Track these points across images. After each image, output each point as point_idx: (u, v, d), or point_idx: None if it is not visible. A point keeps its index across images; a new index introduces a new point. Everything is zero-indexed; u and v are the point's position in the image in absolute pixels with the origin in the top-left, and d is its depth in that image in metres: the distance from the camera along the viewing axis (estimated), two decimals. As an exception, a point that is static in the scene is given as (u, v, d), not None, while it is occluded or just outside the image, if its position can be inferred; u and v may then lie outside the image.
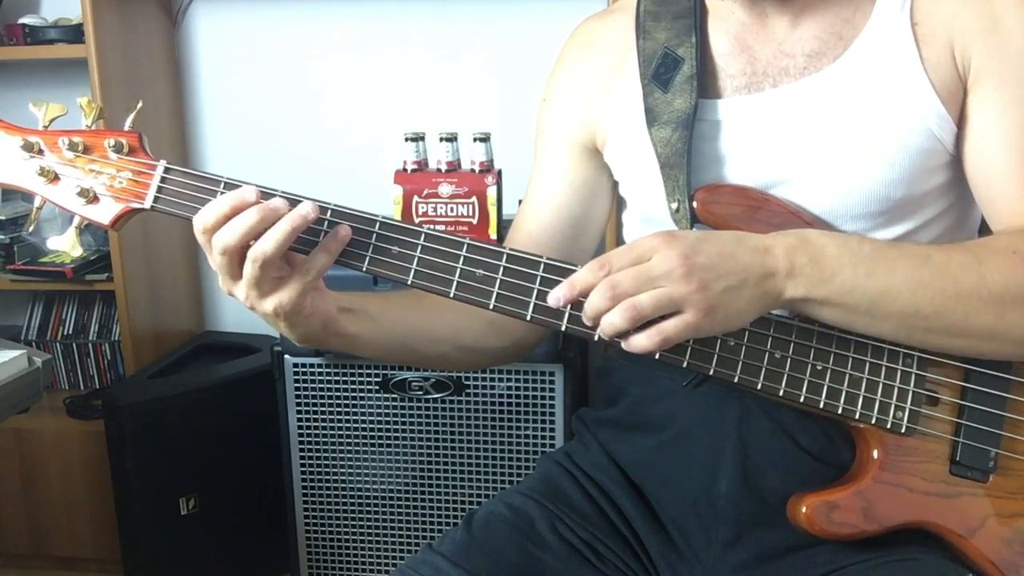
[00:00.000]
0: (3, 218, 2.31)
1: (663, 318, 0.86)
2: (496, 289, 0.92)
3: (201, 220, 0.90)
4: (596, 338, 0.91)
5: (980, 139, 0.96)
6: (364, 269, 0.94)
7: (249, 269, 0.90)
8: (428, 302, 1.06)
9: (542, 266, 0.92)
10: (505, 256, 0.92)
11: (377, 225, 0.93)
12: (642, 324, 0.86)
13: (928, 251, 0.93)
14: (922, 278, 0.90)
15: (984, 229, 1.07)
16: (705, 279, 0.86)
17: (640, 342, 0.87)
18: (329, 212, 0.93)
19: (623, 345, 0.88)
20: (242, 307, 0.95)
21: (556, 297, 0.89)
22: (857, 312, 0.91)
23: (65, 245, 0.97)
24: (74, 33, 2.15)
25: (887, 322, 0.92)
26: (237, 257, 0.90)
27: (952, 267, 0.91)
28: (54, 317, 2.46)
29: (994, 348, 0.93)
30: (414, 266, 0.93)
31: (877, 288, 0.89)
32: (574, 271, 0.91)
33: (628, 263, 0.87)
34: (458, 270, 0.93)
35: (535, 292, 0.92)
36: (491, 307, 0.92)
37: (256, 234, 0.89)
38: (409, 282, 0.93)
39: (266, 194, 0.91)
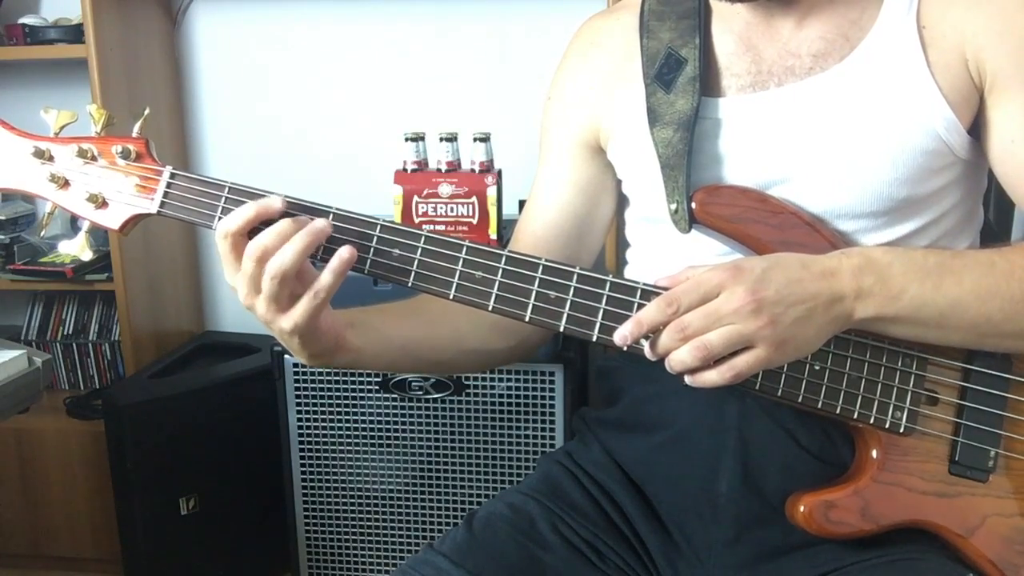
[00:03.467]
0: (3, 218, 2.31)
1: (734, 353, 0.87)
2: (495, 291, 0.93)
3: (224, 226, 0.91)
4: (595, 339, 0.91)
5: (1011, 142, 0.96)
6: (366, 272, 0.95)
7: (267, 285, 0.90)
8: (428, 309, 1.07)
9: (540, 267, 0.92)
10: (504, 258, 0.93)
11: (378, 228, 0.94)
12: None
13: (991, 257, 0.93)
14: (990, 286, 0.91)
15: (985, 231, 1.07)
16: (775, 313, 0.86)
17: (711, 378, 0.87)
18: (331, 216, 0.94)
19: (688, 380, 0.88)
20: (242, 307, 0.95)
21: (623, 335, 0.88)
22: (928, 326, 0.91)
23: (75, 249, 1.00)
24: (74, 33, 2.15)
25: (958, 332, 0.92)
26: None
27: (1017, 271, 0.91)
28: (54, 317, 2.45)
29: None
30: (415, 268, 0.94)
31: (947, 301, 0.90)
32: (572, 272, 0.91)
33: (696, 301, 0.86)
34: (458, 272, 0.93)
35: (534, 293, 0.92)
36: (490, 308, 0.93)
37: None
38: (410, 284, 0.94)
39: (289, 202, 0.93)
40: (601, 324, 0.92)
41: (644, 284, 0.92)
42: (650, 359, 0.89)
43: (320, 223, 0.91)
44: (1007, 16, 0.94)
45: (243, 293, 0.92)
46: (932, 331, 0.92)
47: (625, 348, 0.90)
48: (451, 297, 0.93)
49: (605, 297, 0.92)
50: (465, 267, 0.93)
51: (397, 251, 0.94)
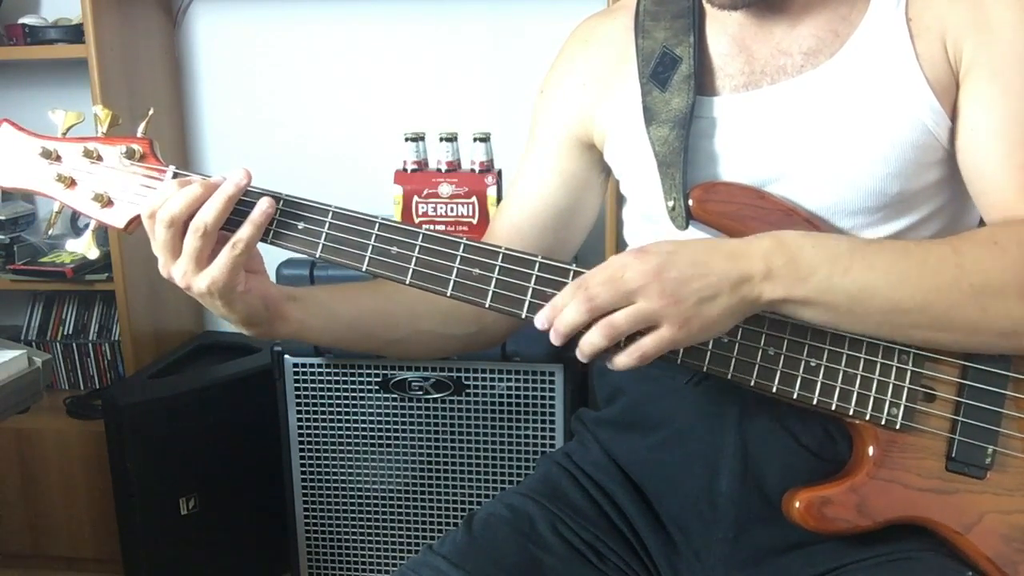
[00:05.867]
0: (3, 218, 2.32)
1: (640, 334, 0.88)
2: (492, 288, 0.93)
3: (149, 205, 0.94)
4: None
5: (972, 131, 0.96)
6: (364, 269, 0.95)
7: (190, 241, 0.93)
8: (385, 288, 1.07)
9: (537, 265, 0.93)
10: (501, 256, 0.93)
11: (376, 226, 0.95)
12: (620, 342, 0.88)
13: (907, 246, 0.93)
14: (901, 273, 0.90)
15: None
16: (678, 292, 0.87)
17: (621, 360, 0.89)
18: (331, 213, 0.94)
19: (607, 364, 0.90)
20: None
21: (541, 320, 0.90)
22: (838, 311, 0.91)
23: (82, 248, 1.01)
24: (74, 33, 2.15)
25: (870, 319, 0.91)
26: (180, 231, 0.93)
27: (931, 260, 0.90)
28: (54, 317, 2.46)
29: (980, 341, 0.93)
30: (412, 266, 0.94)
31: (856, 285, 0.89)
32: (569, 270, 0.92)
33: (603, 280, 0.88)
34: (455, 269, 0.94)
35: (530, 291, 0.92)
36: (487, 305, 0.93)
37: (200, 205, 0.93)
38: (407, 282, 0.94)
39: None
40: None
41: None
42: (556, 343, 0.90)
43: (237, 175, 0.95)
44: (986, 8, 0.95)
45: (160, 263, 0.96)
46: (843, 316, 0.91)
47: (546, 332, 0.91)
48: (448, 295, 0.94)
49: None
50: (462, 265, 0.93)
51: (395, 249, 0.94)
